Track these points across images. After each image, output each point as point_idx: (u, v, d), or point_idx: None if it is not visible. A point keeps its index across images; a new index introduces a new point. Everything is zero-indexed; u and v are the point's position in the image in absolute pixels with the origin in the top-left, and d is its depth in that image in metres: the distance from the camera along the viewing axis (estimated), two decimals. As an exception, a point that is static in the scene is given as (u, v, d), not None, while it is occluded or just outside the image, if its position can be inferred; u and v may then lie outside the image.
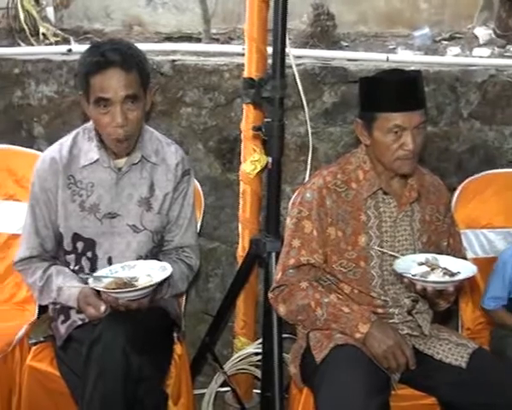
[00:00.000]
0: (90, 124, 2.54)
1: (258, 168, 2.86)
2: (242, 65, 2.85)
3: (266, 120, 2.63)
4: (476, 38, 3.51)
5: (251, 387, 3.12)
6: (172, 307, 2.59)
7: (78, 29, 3.54)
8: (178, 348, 2.58)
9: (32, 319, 2.72)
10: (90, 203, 2.49)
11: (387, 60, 3.13)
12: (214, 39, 3.44)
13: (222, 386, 3.04)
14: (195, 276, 2.83)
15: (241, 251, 2.94)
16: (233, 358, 3.00)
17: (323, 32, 3.35)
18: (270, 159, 2.68)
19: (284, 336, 2.63)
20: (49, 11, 3.47)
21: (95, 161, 2.49)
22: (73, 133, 2.57)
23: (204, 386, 3.07)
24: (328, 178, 2.45)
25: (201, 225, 2.89)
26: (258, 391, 2.92)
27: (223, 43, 3.40)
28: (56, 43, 3.31)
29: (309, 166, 2.92)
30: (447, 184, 2.67)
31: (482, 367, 2.31)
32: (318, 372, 2.26)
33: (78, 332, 2.43)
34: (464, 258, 2.52)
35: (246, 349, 2.99)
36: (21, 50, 3.20)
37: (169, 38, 3.49)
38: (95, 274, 2.37)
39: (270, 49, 2.68)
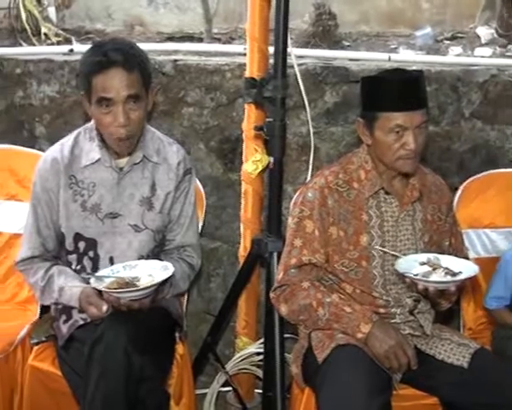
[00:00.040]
0: (91, 124, 2.54)
1: (260, 168, 2.85)
2: (244, 65, 2.85)
3: (268, 119, 2.63)
4: (478, 37, 3.51)
5: (253, 387, 3.12)
6: (174, 307, 2.59)
7: (80, 29, 3.54)
8: (180, 348, 2.58)
9: (34, 318, 2.73)
10: (91, 203, 2.49)
11: (389, 59, 3.12)
12: (216, 39, 3.44)
13: (224, 386, 3.04)
14: (197, 276, 2.83)
15: (243, 251, 2.94)
16: (235, 358, 3.00)
17: (325, 32, 3.35)
18: (271, 159, 2.68)
19: (286, 335, 2.63)
20: (51, 11, 3.47)
21: (96, 161, 2.49)
22: (75, 133, 2.57)
23: (206, 386, 3.07)
24: (329, 177, 2.45)
25: (203, 225, 2.89)
26: (260, 391, 2.92)
27: (224, 42, 3.40)
28: (58, 43, 3.32)
29: (311, 166, 2.92)
30: (449, 184, 2.67)
31: (484, 367, 2.31)
32: (320, 372, 2.26)
33: (79, 332, 2.43)
34: (466, 258, 2.52)
35: (247, 349, 2.99)
36: (23, 50, 3.20)
37: (171, 38, 3.49)
38: (96, 274, 2.37)
39: (271, 49, 2.67)
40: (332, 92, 2.99)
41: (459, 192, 2.88)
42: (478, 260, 2.70)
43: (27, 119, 3.09)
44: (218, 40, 3.43)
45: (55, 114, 3.07)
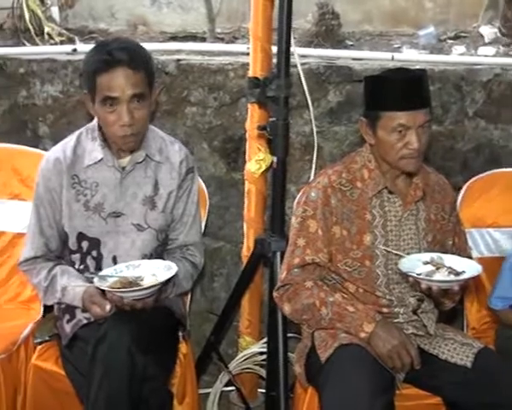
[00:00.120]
0: (93, 124, 2.55)
1: (263, 168, 2.85)
2: (247, 64, 2.85)
3: (271, 119, 2.63)
4: (481, 36, 3.50)
5: (256, 386, 3.12)
6: (177, 307, 2.59)
7: (83, 29, 3.54)
8: (183, 348, 2.58)
9: (38, 318, 2.72)
10: (94, 203, 2.49)
11: (392, 59, 3.12)
12: (219, 39, 3.44)
13: (227, 385, 3.04)
14: (200, 275, 2.83)
15: (246, 251, 2.94)
16: (238, 357, 3.00)
17: (328, 31, 3.34)
18: (274, 158, 2.68)
19: (289, 335, 2.64)
20: (54, 11, 3.47)
21: (99, 161, 2.49)
22: (77, 133, 2.57)
23: (209, 385, 3.07)
24: (333, 177, 2.45)
25: (206, 225, 2.89)
26: (263, 391, 2.91)
27: (227, 42, 3.39)
28: (61, 42, 3.32)
29: (314, 166, 2.92)
30: (452, 183, 2.66)
31: (487, 367, 2.30)
32: (323, 372, 2.26)
33: (83, 331, 2.43)
34: (469, 257, 2.52)
35: (251, 349, 2.99)
36: (26, 50, 3.20)
37: (174, 38, 3.49)
38: (100, 273, 2.37)
39: (274, 49, 2.67)
40: (335, 92, 2.99)
41: (462, 191, 2.87)
42: (481, 260, 2.70)
43: (31, 118, 3.09)
44: (222, 40, 3.43)
45: (59, 113, 3.07)
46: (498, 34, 3.48)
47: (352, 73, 2.98)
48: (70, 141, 2.56)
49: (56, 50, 3.18)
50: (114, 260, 2.48)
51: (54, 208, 2.52)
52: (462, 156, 3.08)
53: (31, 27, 3.33)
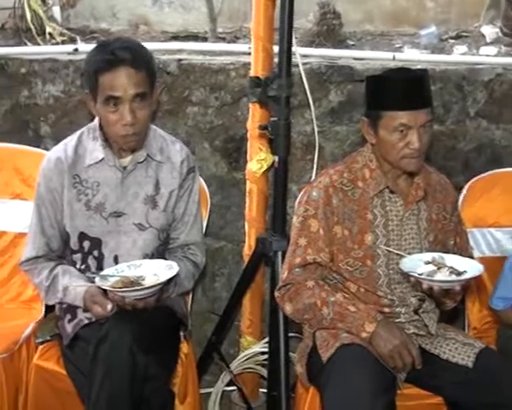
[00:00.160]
0: (94, 123, 2.55)
1: (265, 167, 2.86)
2: (249, 64, 2.85)
3: (272, 118, 2.63)
4: (483, 36, 3.50)
5: (257, 386, 3.12)
6: (179, 306, 2.59)
7: (85, 28, 3.55)
8: (185, 347, 2.59)
9: (39, 317, 2.73)
10: (95, 202, 2.49)
11: (394, 59, 3.12)
12: (220, 38, 3.44)
13: (228, 385, 3.04)
14: (202, 275, 2.84)
15: (248, 250, 2.94)
16: (239, 357, 3.00)
17: (330, 31, 3.34)
18: (276, 158, 2.68)
19: (290, 335, 2.63)
20: (56, 11, 3.47)
21: (100, 160, 2.49)
22: (78, 133, 2.58)
23: (210, 385, 3.07)
24: (334, 176, 2.45)
25: (208, 225, 2.89)
26: (265, 390, 2.92)
27: (229, 42, 3.39)
28: (63, 42, 3.32)
29: (315, 165, 2.92)
30: (454, 183, 2.66)
31: (489, 367, 2.30)
32: (324, 371, 2.26)
33: (84, 331, 2.43)
34: (471, 257, 2.52)
35: (252, 348, 2.99)
36: (28, 50, 3.20)
37: (175, 38, 3.49)
38: (101, 273, 2.37)
39: (276, 48, 2.67)
40: (336, 91, 2.99)
41: (464, 191, 2.87)
42: (483, 260, 2.69)
43: (32, 118, 3.09)
44: (223, 39, 3.43)
45: (60, 113, 3.07)
46: (500, 34, 3.48)
47: (353, 72, 2.98)
48: (71, 141, 2.56)
49: (58, 50, 3.18)
50: (116, 260, 2.49)
51: (55, 208, 2.53)
52: (463, 156, 3.08)
53: (32, 27, 3.33)
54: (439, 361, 2.37)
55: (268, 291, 2.85)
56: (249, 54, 2.85)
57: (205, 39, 3.44)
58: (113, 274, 2.35)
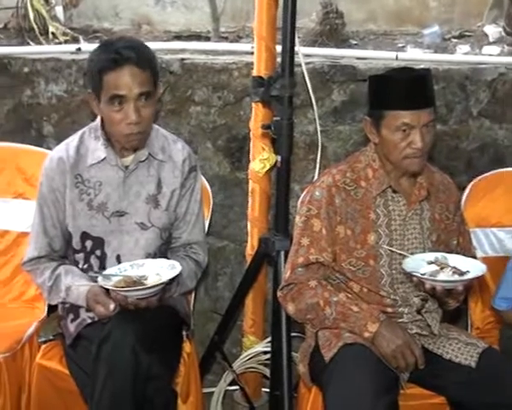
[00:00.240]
0: (95, 123, 2.55)
1: (267, 167, 2.85)
2: (251, 63, 2.85)
3: (275, 118, 2.63)
4: (486, 36, 3.50)
5: (260, 386, 3.12)
6: (181, 306, 2.59)
7: (88, 28, 3.55)
8: (187, 347, 2.59)
9: (42, 317, 2.73)
10: (97, 202, 2.50)
11: (397, 58, 3.11)
12: (223, 38, 3.44)
13: (231, 385, 3.04)
14: (204, 274, 2.84)
15: (250, 250, 2.94)
16: (242, 356, 3.00)
17: (332, 31, 3.34)
18: (279, 157, 2.68)
19: (293, 334, 2.63)
20: (59, 10, 3.48)
21: (102, 160, 2.50)
22: (79, 133, 2.58)
23: (213, 385, 3.07)
24: (337, 176, 2.45)
25: (210, 224, 2.89)
26: (267, 390, 2.92)
27: (232, 41, 3.40)
28: (66, 42, 3.32)
29: (318, 165, 2.92)
30: (457, 183, 2.66)
31: (492, 367, 2.30)
32: (327, 371, 2.26)
33: (87, 331, 2.44)
34: (474, 257, 2.52)
35: (254, 348, 2.99)
36: (31, 49, 3.20)
37: (178, 37, 3.49)
38: (104, 273, 2.37)
39: (279, 48, 2.67)
40: (339, 91, 2.99)
41: (467, 191, 2.87)
42: (485, 260, 2.69)
43: (35, 118, 3.10)
44: (226, 39, 3.43)
45: (63, 113, 3.07)
46: (503, 33, 3.48)
47: (356, 72, 2.98)
48: (73, 140, 2.56)
49: (61, 50, 3.18)
50: (118, 260, 2.49)
51: (57, 208, 2.53)
52: (466, 156, 3.07)
53: (35, 27, 3.34)
54: (441, 361, 2.37)
55: (270, 291, 2.85)
56: (252, 53, 2.85)
57: (207, 39, 3.44)
58: (115, 274, 2.35)
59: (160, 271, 2.36)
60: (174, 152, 2.58)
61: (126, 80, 2.33)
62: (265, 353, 2.94)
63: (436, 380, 2.35)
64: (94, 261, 2.51)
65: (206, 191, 2.83)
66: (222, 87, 3.00)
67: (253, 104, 2.82)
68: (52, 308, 2.71)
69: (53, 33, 3.34)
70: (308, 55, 3.05)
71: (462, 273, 2.27)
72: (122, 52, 2.33)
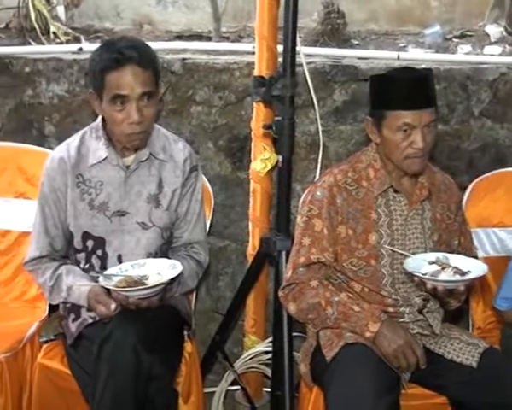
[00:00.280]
0: (96, 123, 2.55)
1: (269, 167, 2.85)
2: (253, 63, 2.85)
3: (277, 118, 2.63)
4: (487, 35, 3.50)
5: (261, 385, 3.12)
6: (183, 306, 2.59)
7: (89, 28, 3.55)
8: (188, 347, 2.59)
9: (43, 316, 2.73)
10: (99, 202, 2.50)
11: (398, 58, 3.11)
12: (224, 38, 3.44)
13: (232, 384, 3.04)
14: (206, 274, 2.84)
15: (252, 250, 2.94)
16: (243, 356, 3.00)
17: (334, 31, 3.34)
18: (280, 157, 2.68)
19: (294, 334, 2.63)
20: (60, 10, 3.48)
21: (103, 160, 2.49)
22: (80, 133, 2.58)
23: (214, 384, 3.07)
24: (338, 176, 2.45)
25: (211, 224, 2.89)
26: (269, 390, 2.92)
27: (233, 41, 3.39)
28: (67, 42, 3.32)
29: (319, 165, 2.92)
30: (458, 183, 2.66)
31: (493, 367, 2.30)
32: (328, 371, 2.26)
33: (88, 330, 2.44)
34: (475, 257, 2.52)
35: (256, 348, 2.99)
36: (32, 49, 3.20)
37: (179, 37, 3.49)
38: (105, 272, 2.37)
39: (280, 48, 2.67)
40: (341, 91, 2.99)
41: (468, 191, 2.87)
42: (487, 260, 2.69)
43: (36, 117, 3.10)
44: (227, 39, 3.43)
45: (64, 112, 3.07)
46: (504, 33, 3.48)
47: (357, 72, 2.98)
48: (74, 141, 2.56)
49: (62, 49, 3.18)
50: (119, 259, 2.49)
51: (59, 208, 2.53)
52: (467, 156, 3.07)
53: (36, 26, 3.33)
54: (443, 361, 2.37)
55: (272, 291, 2.85)
56: (253, 53, 2.85)
57: (209, 39, 3.44)
58: (116, 273, 2.35)
59: (161, 270, 2.36)
60: (175, 152, 2.58)
61: (129, 80, 2.33)
62: (267, 353, 2.94)
63: (437, 380, 2.35)
64: (95, 261, 2.51)
65: (207, 191, 2.83)
66: (223, 87, 3.00)
67: (255, 104, 2.82)
68: (53, 308, 2.71)
69: (54, 33, 3.34)
70: (309, 54, 3.05)
71: (463, 273, 2.26)
72: (124, 52, 2.33)
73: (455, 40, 3.51)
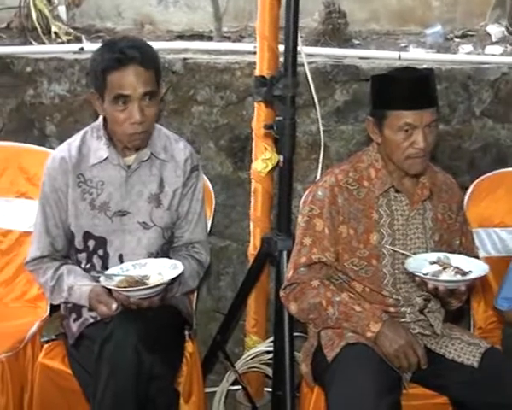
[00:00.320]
0: (97, 123, 2.55)
1: (270, 167, 2.85)
2: (254, 63, 2.85)
3: (278, 118, 2.63)
4: (488, 35, 3.49)
5: (262, 385, 3.12)
6: (184, 305, 2.59)
7: (90, 28, 3.55)
8: (190, 346, 2.58)
9: (44, 316, 2.73)
10: (100, 201, 2.50)
11: (399, 58, 3.11)
12: (226, 37, 3.44)
13: (233, 384, 3.04)
14: (207, 274, 2.84)
15: (253, 249, 2.94)
16: (244, 356, 3.00)
17: (335, 30, 3.34)
18: (281, 157, 2.68)
19: (295, 334, 2.63)
20: (61, 10, 3.48)
21: (104, 160, 2.49)
22: (81, 132, 2.58)
23: (215, 384, 3.07)
24: (339, 176, 2.45)
25: (212, 224, 2.89)
26: (270, 390, 2.92)
27: (234, 41, 3.40)
28: (68, 41, 3.32)
29: (320, 165, 2.92)
30: (459, 183, 2.66)
31: (494, 367, 2.30)
32: (329, 371, 2.26)
33: (89, 330, 2.44)
34: (476, 257, 2.52)
35: (257, 348, 2.99)
36: (33, 49, 3.20)
37: (180, 37, 3.49)
38: (106, 272, 2.37)
39: (281, 48, 2.67)
40: (342, 91, 2.99)
41: (469, 191, 2.86)
42: (488, 260, 2.69)
43: (38, 117, 3.10)
44: (228, 38, 3.43)
45: (66, 112, 3.08)
46: (506, 33, 3.47)
47: (358, 72, 2.97)
48: (75, 141, 2.56)
49: (63, 49, 3.18)
50: (121, 259, 2.49)
51: (60, 208, 2.53)
52: (469, 156, 3.07)
53: (38, 26, 3.34)
54: (444, 361, 2.37)
55: (273, 291, 2.85)
56: (254, 53, 2.85)
57: (210, 38, 3.44)
58: (117, 273, 2.35)
59: (162, 270, 2.36)
60: (176, 151, 2.58)
61: (131, 80, 2.33)
62: (268, 352, 2.94)
63: (439, 380, 2.35)
64: (96, 261, 2.51)
65: (208, 191, 2.83)
66: (224, 87, 3.00)
67: (256, 104, 2.82)
68: (54, 308, 2.71)
69: (55, 33, 3.34)
70: (311, 54, 3.05)
71: (464, 273, 2.26)
72: (126, 51, 2.33)
73: (456, 40, 3.50)
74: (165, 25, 3.60)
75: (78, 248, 2.54)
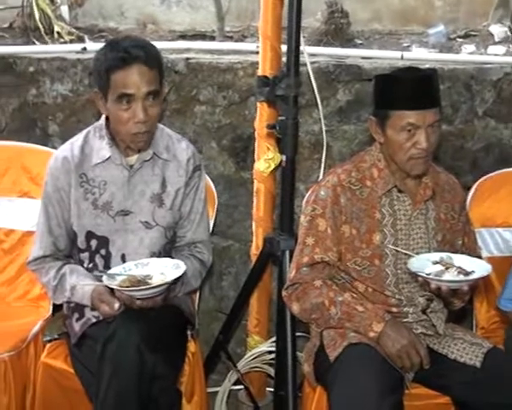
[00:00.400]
0: (100, 122, 2.55)
1: (272, 166, 2.85)
2: (256, 63, 2.85)
3: (280, 118, 2.63)
4: (491, 35, 3.49)
5: (264, 385, 3.12)
6: (186, 305, 2.59)
7: (93, 27, 3.56)
8: (192, 346, 2.59)
9: (47, 315, 2.73)
10: (102, 201, 2.50)
11: (402, 58, 3.11)
12: (228, 37, 3.44)
13: (235, 384, 3.04)
14: (209, 274, 2.84)
15: (255, 249, 2.94)
16: (246, 356, 3.00)
17: (338, 30, 3.35)
18: (284, 157, 2.67)
19: (298, 334, 2.63)
20: (64, 10, 3.49)
21: (107, 159, 2.49)
22: (84, 132, 2.58)
23: (217, 384, 3.07)
24: (342, 176, 2.45)
25: (215, 224, 2.89)
26: (272, 389, 2.92)
27: (237, 41, 3.40)
28: (71, 41, 3.33)
29: (323, 165, 2.92)
30: (462, 183, 2.65)
31: (497, 367, 2.30)
32: (332, 371, 2.26)
33: (92, 330, 2.44)
34: (479, 257, 2.51)
35: (259, 348, 2.99)
36: (36, 49, 3.21)
37: (183, 36, 3.50)
38: (109, 272, 2.37)
39: (284, 47, 2.67)
40: (344, 90, 2.99)
41: (472, 191, 2.87)
42: (491, 260, 2.68)
43: (40, 117, 3.10)
44: (231, 38, 3.44)
45: (68, 112, 3.08)
46: (508, 33, 3.48)
47: (361, 71, 2.97)
48: (77, 140, 2.56)
49: (66, 49, 3.19)
50: (123, 259, 2.49)
51: (62, 207, 2.53)
52: (471, 156, 3.07)
53: (40, 26, 3.34)
54: (446, 361, 2.37)
55: (275, 290, 2.84)
56: (257, 53, 2.85)
57: (213, 38, 3.45)
58: (120, 273, 2.35)
59: (164, 270, 2.36)
60: (178, 151, 2.58)
61: (135, 79, 2.33)
62: (270, 352, 2.93)
63: (441, 380, 2.35)
64: (99, 260, 2.51)
65: (210, 191, 2.83)
66: (227, 87, 3.00)
67: (258, 104, 2.82)
68: (57, 307, 2.72)
69: (58, 33, 3.35)
70: (313, 54, 3.05)
71: (467, 273, 2.26)
72: (131, 51, 2.33)
73: (459, 40, 3.51)
74: (168, 24, 3.61)
75: (80, 247, 2.54)
